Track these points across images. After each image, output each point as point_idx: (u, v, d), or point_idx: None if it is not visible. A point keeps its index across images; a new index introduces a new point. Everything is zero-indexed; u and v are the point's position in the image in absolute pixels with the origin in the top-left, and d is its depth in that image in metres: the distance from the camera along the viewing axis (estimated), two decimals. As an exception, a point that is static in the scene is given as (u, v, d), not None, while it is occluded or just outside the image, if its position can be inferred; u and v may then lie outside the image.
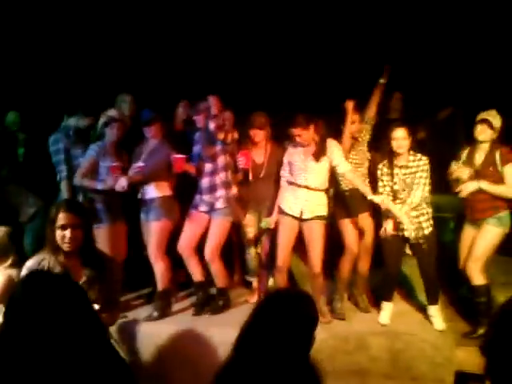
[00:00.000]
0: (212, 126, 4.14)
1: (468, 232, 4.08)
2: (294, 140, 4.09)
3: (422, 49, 5.61)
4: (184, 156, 4.12)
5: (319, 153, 4.05)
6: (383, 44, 5.54)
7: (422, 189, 3.92)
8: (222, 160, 4.24)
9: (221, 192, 4.24)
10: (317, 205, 4.10)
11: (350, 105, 4.22)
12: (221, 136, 4.16)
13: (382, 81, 4.24)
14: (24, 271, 2.54)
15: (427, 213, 4.01)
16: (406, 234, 3.95)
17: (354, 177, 4.09)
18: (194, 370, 3.74)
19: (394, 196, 4.03)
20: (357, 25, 5.74)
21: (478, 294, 3.94)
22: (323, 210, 4.13)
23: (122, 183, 4.01)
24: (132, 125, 4.48)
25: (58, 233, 2.52)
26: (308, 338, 1.76)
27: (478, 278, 3.94)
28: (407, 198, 3.96)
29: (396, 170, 4.00)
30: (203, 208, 4.28)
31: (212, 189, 4.24)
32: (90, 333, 1.54)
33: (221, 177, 4.25)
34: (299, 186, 4.10)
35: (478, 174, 3.92)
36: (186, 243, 4.28)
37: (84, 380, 1.47)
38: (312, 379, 1.79)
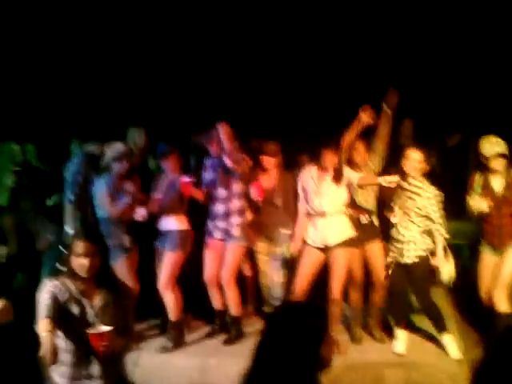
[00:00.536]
0: (229, 161, 4.10)
1: (489, 258, 4.02)
2: (320, 166, 4.05)
3: (435, 76, 5.65)
4: (191, 180, 4.15)
5: (340, 176, 4.00)
6: (394, 69, 5.59)
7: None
8: (236, 187, 4.26)
9: (236, 219, 4.25)
10: (339, 230, 4.04)
11: (365, 113, 3.94)
12: (239, 170, 4.15)
13: (387, 109, 4.03)
14: (45, 294, 2.51)
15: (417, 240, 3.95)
16: (408, 260, 3.93)
17: (366, 177, 4.00)
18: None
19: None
20: (368, 49, 5.81)
21: (503, 320, 3.79)
22: (348, 234, 4.06)
23: (141, 212, 4.10)
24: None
25: (76, 260, 2.53)
26: (313, 351, 1.67)
27: (504, 305, 3.84)
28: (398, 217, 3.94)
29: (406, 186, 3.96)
30: (217, 235, 4.29)
31: (227, 215, 4.25)
32: None
33: (235, 203, 4.26)
34: (315, 213, 4.06)
35: (502, 201, 3.91)
36: (210, 273, 4.31)
37: None
38: None
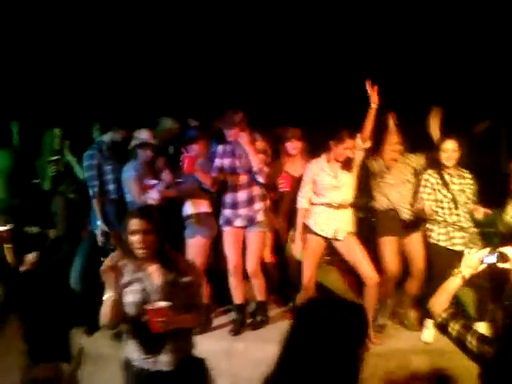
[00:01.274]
0: (261, 178, 4.11)
1: None
2: (329, 158, 4.08)
3: (465, 65, 5.54)
4: (195, 156, 4.10)
5: (350, 163, 4.05)
6: (420, 55, 5.50)
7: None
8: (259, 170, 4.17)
9: (259, 204, 4.23)
10: (347, 223, 4.12)
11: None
12: (263, 159, 4.13)
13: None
14: (107, 273, 2.56)
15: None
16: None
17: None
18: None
19: (441, 207, 4.04)
20: (391, 35, 5.72)
21: None
22: (352, 227, 4.14)
23: (152, 195, 4.10)
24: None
25: (131, 238, 2.55)
26: (353, 351, 1.60)
27: None
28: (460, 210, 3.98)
29: (448, 179, 4.01)
30: (240, 223, 4.23)
31: (250, 202, 4.20)
32: None
33: (257, 189, 4.23)
34: (331, 205, 4.08)
35: None
36: (235, 263, 4.23)
37: None
38: None
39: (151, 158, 4.33)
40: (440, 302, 2.21)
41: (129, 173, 4.30)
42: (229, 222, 4.26)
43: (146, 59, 6.02)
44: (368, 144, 4.07)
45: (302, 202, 4.18)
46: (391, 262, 4.15)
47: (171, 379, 2.61)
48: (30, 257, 3.60)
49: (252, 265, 4.23)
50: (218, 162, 4.27)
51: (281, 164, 4.44)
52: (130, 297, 2.55)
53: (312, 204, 4.16)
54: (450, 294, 2.22)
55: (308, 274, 4.13)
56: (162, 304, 2.48)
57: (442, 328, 2.20)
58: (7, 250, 3.35)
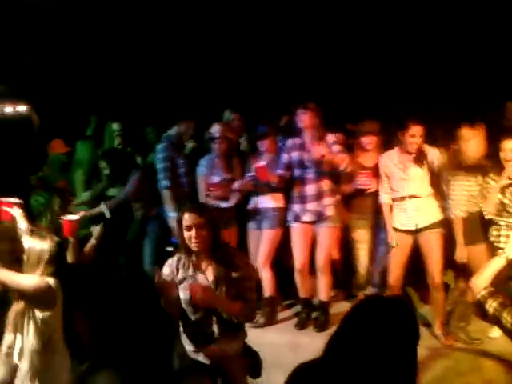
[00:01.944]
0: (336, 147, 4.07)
1: None
2: (401, 150, 3.97)
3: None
4: (265, 164, 4.11)
5: (422, 157, 3.90)
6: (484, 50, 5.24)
7: None
8: (326, 166, 4.14)
9: (328, 199, 4.18)
10: (429, 211, 3.95)
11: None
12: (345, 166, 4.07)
13: None
14: (166, 268, 2.72)
15: None
16: None
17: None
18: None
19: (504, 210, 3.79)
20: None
21: None
22: (437, 216, 3.96)
23: (231, 201, 4.22)
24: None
25: (185, 233, 2.62)
26: (404, 352, 1.55)
27: None
28: None
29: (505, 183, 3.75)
30: (308, 218, 4.20)
31: (319, 196, 4.16)
32: None
33: (327, 183, 4.19)
34: (404, 197, 3.97)
35: None
36: (303, 260, 4.22)
37: None
38: None
39: (225, 151, 4.38)
40: (482, 280, 2.30)
41: (200, 168, 4.42)
42: (297, 217, 4.24)
43: (202, 53, 6.08)
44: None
45: (384, 197, 4.11)
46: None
47: (220, 372, 2.70)
48: (97, 230, 3.62)
49: (321, 261, 4.19)
50: (285, 157, 4.25)
51: (355, 158, 4.34)
52: (182, 294, 2.64)
53: (393, 200, 4.07)
54: (493, 273, 2.31)
55: (395, 273, 4.03)
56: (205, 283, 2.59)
57: (480, 305, 2.30)
58: (71, 245, 3.34)
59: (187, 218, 2.60)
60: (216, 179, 4.30)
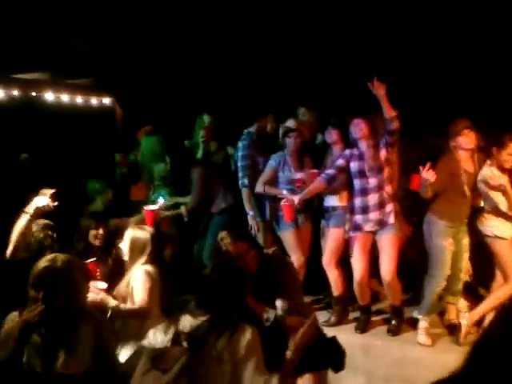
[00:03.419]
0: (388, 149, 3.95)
1: None
2: (504, 164, 3.78)
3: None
4: (292, 204, 3.93)
5: None
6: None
7: None
8: (386, 172, 3.99)
9: (390, 206, 4.01)
10: None
11: None
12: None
13: None
14: None
15: None
16: None
17: None
18: (366, 381, 3.62)
19: None
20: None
21: None
22: None
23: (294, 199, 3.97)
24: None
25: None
26: None
27: None
28: None
29: None
30: (370, 227, 4.04)
31: (381, 205, 4.00)
32: None
33: (388, 190, 4.02)
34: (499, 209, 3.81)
35: None
36: (363, 272, 4.05)
37: None
38: None
39: (299, 146, 4.32)
40: None
41: (270, 161, 4.38)
42: (358, 228, 4.09)
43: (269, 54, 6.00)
44: None
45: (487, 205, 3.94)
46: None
47: None
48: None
49: (388, 272, 3.98)
50: (340, 161, 4.08)
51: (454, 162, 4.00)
52: None
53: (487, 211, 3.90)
54: None
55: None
56: None
57: None
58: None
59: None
60: (299, 175, 4.24)
